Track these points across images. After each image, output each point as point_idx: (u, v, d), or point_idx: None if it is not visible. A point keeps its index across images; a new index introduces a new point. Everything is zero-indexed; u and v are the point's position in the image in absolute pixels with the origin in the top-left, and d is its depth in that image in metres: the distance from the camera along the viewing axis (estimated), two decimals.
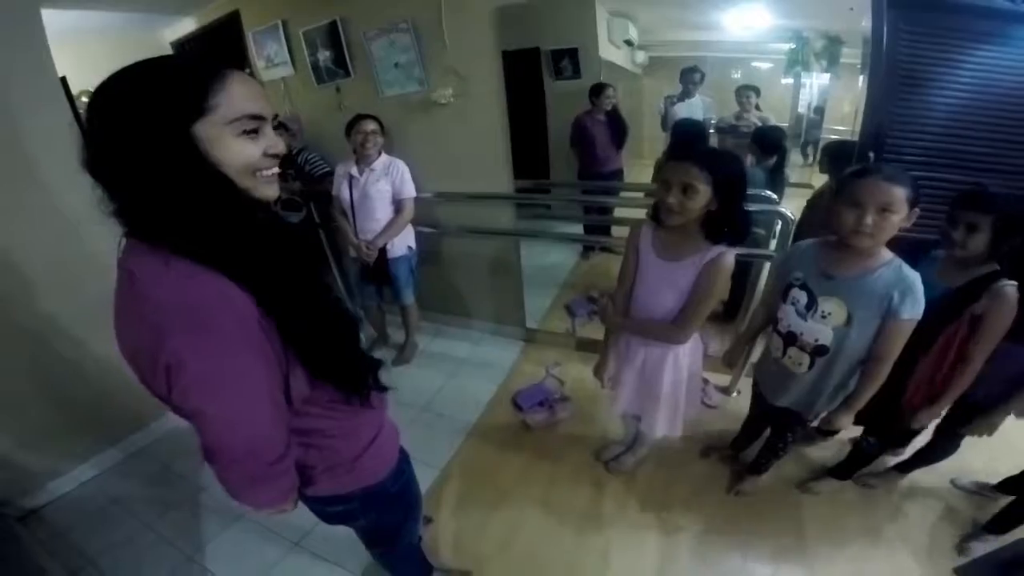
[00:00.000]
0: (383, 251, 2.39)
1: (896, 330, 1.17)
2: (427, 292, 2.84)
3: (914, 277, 1.13)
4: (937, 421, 1.52)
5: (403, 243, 2.45)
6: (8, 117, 1.67)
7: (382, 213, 2.35)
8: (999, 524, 1.55)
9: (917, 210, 1.11)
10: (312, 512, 0.97)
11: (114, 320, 0.63)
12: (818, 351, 1.29)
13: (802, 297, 1.29)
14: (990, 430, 1.44)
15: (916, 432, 1.60)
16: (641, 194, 2.58)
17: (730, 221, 1.24)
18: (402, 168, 2.33)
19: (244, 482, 0.69)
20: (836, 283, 1.22)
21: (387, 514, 1.05)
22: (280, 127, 2.66)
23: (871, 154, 1.71)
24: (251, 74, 2.92)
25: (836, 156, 1.96)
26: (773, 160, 2.15)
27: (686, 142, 2.23)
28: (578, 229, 2.95)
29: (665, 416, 1.57)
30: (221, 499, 1.84)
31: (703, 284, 1.28)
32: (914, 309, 1.13)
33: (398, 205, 2.36)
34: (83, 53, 2.45)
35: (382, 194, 2.31)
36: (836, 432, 1.62)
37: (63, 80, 1.82)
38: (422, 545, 1.40)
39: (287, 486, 0.74)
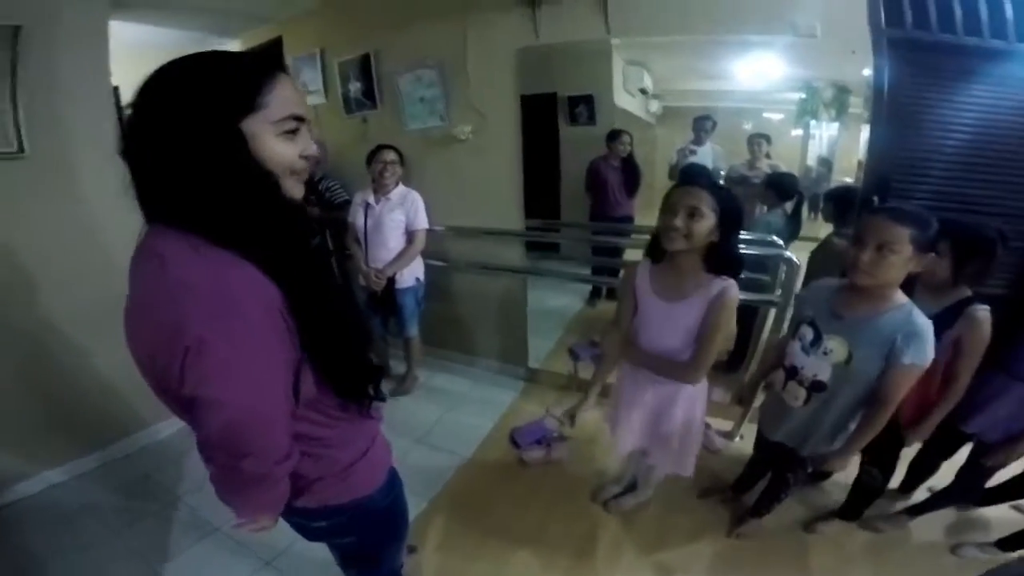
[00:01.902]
0: (391, 281, 2.40)
1: (897, 375, 1.14)
2: (432, 326, 2.81)
3: (923, 324, 1.11)
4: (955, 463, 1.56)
5: (412, 274, 2.46)
6: (59, 116, 1.71)
7: (394, 243, 2.37)
8: (1012, 543, 1.55)
9: (932, 255, 1.10)
10: (293, 527, 0.92)
11: (126, 310, 0.62)
12: (815, 387, 1.27)
13: (808, 334, 1.28)
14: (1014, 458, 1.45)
15: (925, 477, 1.65)
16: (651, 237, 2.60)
17: (730, 253, 1.24)
18: (417, 199, 2.38)
19: (242, 482, 0.66)
20: (843, 323, 1.21)
21: (373, 531, 0.99)
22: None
23: (875, 199, 1.73)
24: None
25: (839, 202, 1.98)
26: (789, 205, 2.15)
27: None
28: (586, 272, 2.95)
29: (676, 453, 1.50)
30: (196, 512, 1.81)
31: (713, 320, 1.24)
32: (918, 355, 1.10)
33: (410, 236, 2.39)
34: (137, 65, 2.59)
35: (396, 223, 2.35)
36: (831, 474, 1.61)
37: (115, 89, 1.91)
38: (402, 573, 1.29)
39: (280, 494, 0.73)
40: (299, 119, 0.62)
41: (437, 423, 2.42)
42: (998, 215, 1.64)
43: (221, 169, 0.56)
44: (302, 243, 0.64)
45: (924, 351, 1.10)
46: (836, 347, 1.21)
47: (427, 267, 2.56)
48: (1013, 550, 1.54)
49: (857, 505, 1.68)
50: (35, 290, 1.82)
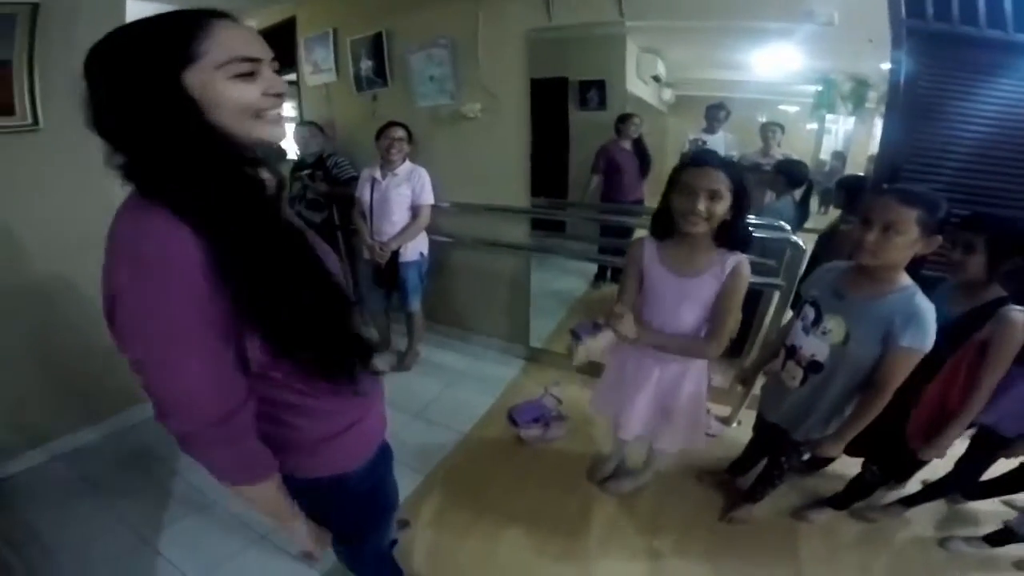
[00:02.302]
0: (395, 254, 2.43)
1: (895, 358, 1.13)
2: (435, 302, 2.85)
3: (924, 306, 1.09)
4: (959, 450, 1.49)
5: (416, 249, 2.49)
6: (76, 91, 1.74)
7: (399, 216, 2.40)
8: (1001, 538, 1.54)
9: (939, 238, 1.08)
10: None
11: None
12: (812, 367, 1.27)
13: (811, 313, 1.28)
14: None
15: (920, 465, 1.53)
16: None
17: (743, 228, 1.24)
18: (423, 175, 2.39)
19: (188, 440, 0.65)
20: (844, 303, 1.21)
21: (348, 513, 0.96)
22: (315, 128, 2.78)
23: (886, 187, 1.71)
24: (297, 79, 3.09)
25: (851, 190, 1.96)
26: (798, 193, 2.13)
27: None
28: (592, 253, 2.94)
29: (684, 429, 1.51)
30: (193, 485, 1.84)
31: (731, 292, 1.26)
32: (916, 339, 1.08)
33: (415, 210, 2.41)
34: None
35: (401, 198, 2.37)
36: (828, 462, 1.59)
37: None
38: (396, 550, 1.32)
39: (235, 460, 0.69)
40: (251, 60, 0.60)
41: (436, 399, 2.46)
42: (1016, 208, 1.64)
43: (165, 127, 0.56)
44: (241, 204, 0.60)
45: (923, 335, 1.08)
46: (835, 327, 1.21)
47: (432, 244, 2.59)
48: (1001, 545, 1.55)
49: (850, 497, 1.69)
50: (46, 261, 1.85)
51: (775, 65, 2.01)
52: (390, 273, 2.48)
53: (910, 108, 1.68)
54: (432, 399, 2.46)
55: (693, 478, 1.90)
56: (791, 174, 2.12)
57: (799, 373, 1.31)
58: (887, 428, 1.28)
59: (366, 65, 2.65)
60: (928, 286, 1.22)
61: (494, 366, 2.77)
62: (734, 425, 2.21)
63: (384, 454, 0.99)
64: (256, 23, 3.13)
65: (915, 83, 1.65)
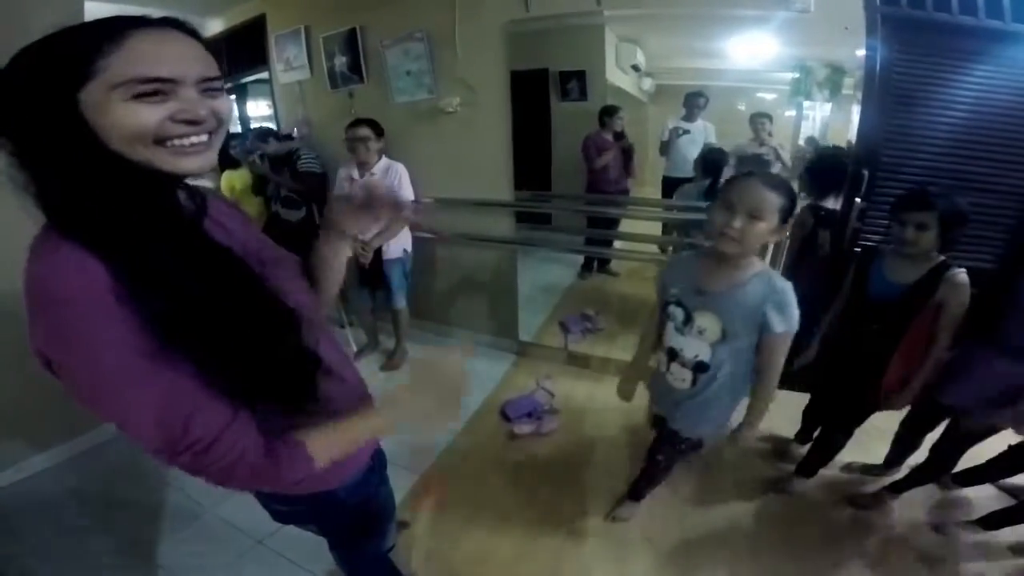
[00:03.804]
0: (378, 253, 2.40)
1: (772, 344, 1.15)
2: (421, 299, 2.83)
3: (784, 288, 1.11)
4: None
5: (399, 246, 2.46)
6: None
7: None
8: (995, 521, 1.57)
9: (787, 228, 1.09)
10: (261, 505, 0.87)
11: None
12: (699, 367, 1.26)
13: (679, 313, 1.26)
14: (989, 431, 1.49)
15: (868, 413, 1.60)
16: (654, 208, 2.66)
17: None
18: (401, 171, 2.36)
19: (193, 471, 0.59)
20: (708, 298, 1.19)
21: (341, 523, 0.94)
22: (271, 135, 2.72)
23: (865, 172, 1.74)
24: (269, 76, 3.01)
25: (819, 172, 1.96)
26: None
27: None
28: (579, 245, 2.95)
29: None
30: (186, 493, 1.81)
31: None
32: (787, 323, 1.11)
33: None
34: None
35: None
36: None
37: None
38: (395, 554, 1.26)
39: (275, 468, 0.62)
40: (157, 80, 0.51)
41: None
42: (990, 191, 1.68)
43: (52, 147, 0.51)
44: (151, 230, 0.55)
45: (792, 316, 1.11)
46: (708, 325, 1.19)
47: (416, 240, 2.56)
48: (996, 528, 1.56)
49: (814, 463, 1.74)
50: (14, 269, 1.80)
51: (752, 53, 2.03)
52: (374, 272, 2.45)
53: (886, 94, 1.71)
54: None
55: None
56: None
57: (688, 375, 1.28)
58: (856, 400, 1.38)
59: (340, 61, 2.59)
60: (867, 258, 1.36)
61: (484, 362, 2.76)
62: None
63: (376, 463, 0.96)
64: (224, 21, 3.05)
65: (890, 69, 1.68)
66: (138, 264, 0.52)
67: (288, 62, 2.81)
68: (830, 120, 2.08)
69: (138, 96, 0.51)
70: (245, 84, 3.35)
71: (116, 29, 0.51)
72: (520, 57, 2.26)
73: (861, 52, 1.70)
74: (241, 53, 3.02)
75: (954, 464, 1.66)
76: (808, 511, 1.74)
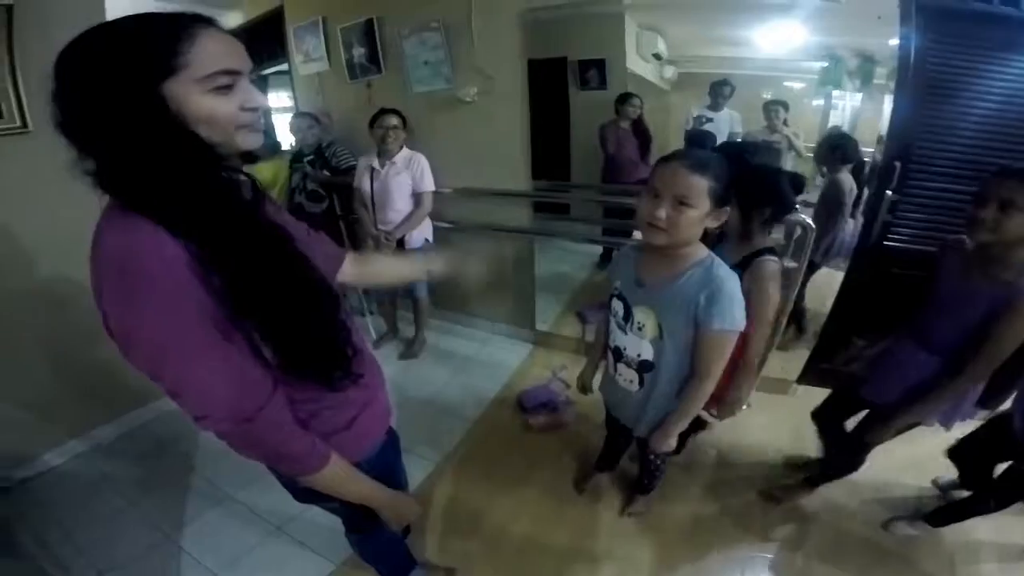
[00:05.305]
0: (400, 243, 2.44)
1: (708, 342, 1.04)
2: (440, 289, 2.86)
3: (724, 277, 1.00)
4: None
5: (420, 236, 2.50)
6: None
7: (401, 205, 2.40)
8: (940, 517, 1.55)
9: (727, 210, 0.99)
10: (283, 485, 0.92)
11: None
12: (643, 367, 1.17)
13: (619, 308, 1.17)
14: (889, 435, 1.38)
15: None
16: None
17: None
18: (422, 162, 2.38)
19: (227, 438, 0.66)
20: (646, 291, 1.11)
21: (357, 503, 0.96)
22: (312, 119, 2.74)
23: (897, 164, 1.68)
24: (289, 69, 3.03)
25: (833, 147, 1.92)
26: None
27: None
28: (596, 235, 2.91)
29: None
30: (210, 480, 1.89)
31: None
32: (725, 319, 0.99)
33: (417, 198, 2.41)
34: None
35: (402, 187, 2.36)
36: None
37: None
38: (409, 538, 1.35)
39: (292, 450, 0.71)
40: (231, 73, 0.59)
41: (445, 386, 2.51)
42: None
43: (140, 136, 0.55)
44: (222, 207, 0.61)
45: (731, 313, 1.00)
46: (646, 320, 1.11)
47: (435, 229, 2.58)
48: (943, 524, 1.55)
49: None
50: (45, 263, 1.85)
51: (779, 41, 1.95)
52: None
53: (919, 85, 1.64)
54: (441, 386, 2.51)
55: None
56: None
57: (634, 376, 1.21)
58: None
59: (358, 52, 2.59)
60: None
61: (501, 351, 2.81)
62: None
63: (390, 442, 1.01)
64: (242, 14, 3.06)
65: (924, 60, 1.60)
66: (212, 242, 0.58)
67: (307, 54, 2.82)
68: (860, 110, 2.00)
69: (216, 88, 0.58)
70: (266, 76, 3.37)
71: (186, 26, 0.56)
72: (538, 46, 2.22)
73: (894, 42, 1.63)
74: (261, 46, 3.02)
75: (862, 461, 1.56)
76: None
